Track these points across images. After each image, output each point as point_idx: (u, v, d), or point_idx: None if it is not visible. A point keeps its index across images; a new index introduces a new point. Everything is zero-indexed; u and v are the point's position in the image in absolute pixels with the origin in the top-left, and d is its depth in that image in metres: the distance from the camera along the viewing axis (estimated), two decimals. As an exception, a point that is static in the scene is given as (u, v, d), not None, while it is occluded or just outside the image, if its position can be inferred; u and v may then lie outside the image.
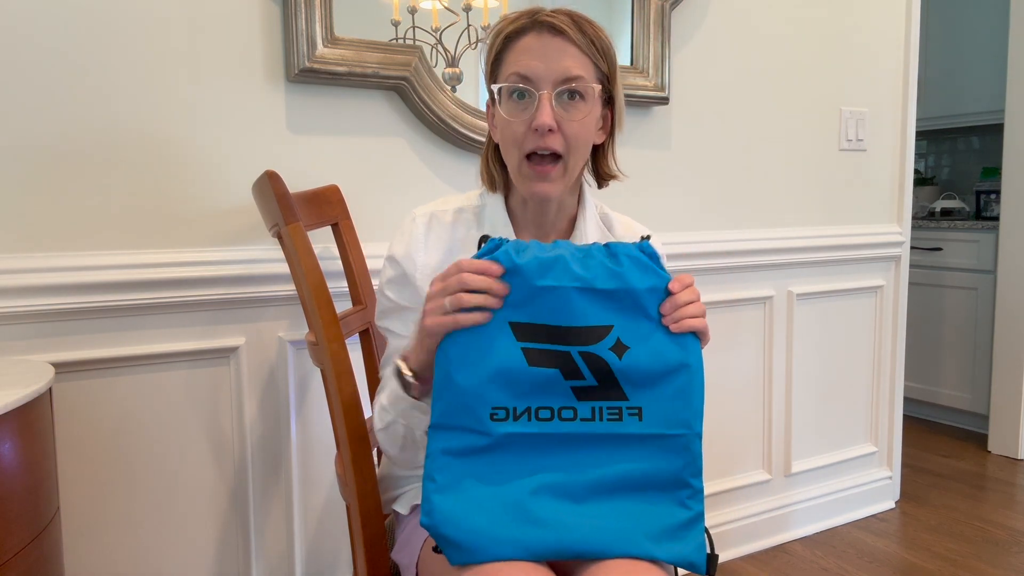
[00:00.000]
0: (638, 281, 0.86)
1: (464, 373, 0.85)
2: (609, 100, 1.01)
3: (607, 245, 0.88)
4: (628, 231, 1.10)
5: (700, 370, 0.88)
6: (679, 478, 0.86)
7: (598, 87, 0.96)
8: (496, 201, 1.04)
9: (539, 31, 0.94)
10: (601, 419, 0.85)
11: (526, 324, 0.85)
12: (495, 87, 0.97)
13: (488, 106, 1.02)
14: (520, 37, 0.95)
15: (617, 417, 0.86)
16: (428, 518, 0.84)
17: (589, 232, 1.04)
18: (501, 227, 1.02)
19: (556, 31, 0.93)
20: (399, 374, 0.93)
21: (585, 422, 0.85)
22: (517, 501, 0.83)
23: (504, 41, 0.96)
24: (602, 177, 1.07)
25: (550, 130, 0.93)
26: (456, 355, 0.85)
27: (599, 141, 1.03)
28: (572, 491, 0.85)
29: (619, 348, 0.86)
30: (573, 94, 0.94)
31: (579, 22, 0.95)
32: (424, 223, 1.03)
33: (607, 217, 1.10)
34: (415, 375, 0.92)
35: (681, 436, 0.86)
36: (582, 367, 0.85)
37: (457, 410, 0.85)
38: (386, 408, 0.97)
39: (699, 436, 0.87)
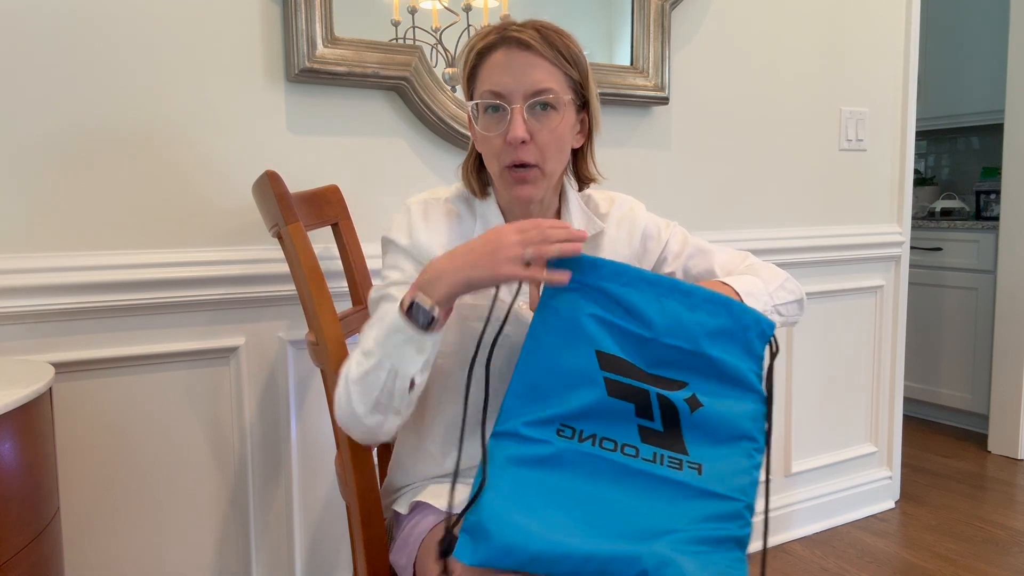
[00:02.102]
0: (720, 352, 0.89)
1: (546, 388, 0.88)
2: (584, 105, 1.03)
3: (721, 303, 0.91)
4: (610, 205, 1.14)
5: (762, 448, 0.89)
6: (727, 537, 0.85)
7: (569, 95, 0.99)
8: (489, 200, 1.07)
9: (508, 47, 0.96)
10: (661, 464, 0.87)
11: (613, 356, 0.88)
12: (471, 104, 1.00)
13: (469, 117, 1.05)
14: (491, 53, 0.98)
15: (677, 466, 0.87)
16: (475, 515, 0.83)
17: (575, 224, 1.08)
18: (495, 221, 1.06)
19: (524, 46, 0.96)
20: (417, 310, 0.87)
21: (646, 462, 0.87)
22: (563, 510, 0.83)
23: (476, 57, 0.99)
24: (582, 179, 1.10)
25: (523, 142, 0.96)
26: (540, 371, 0.89)
27: (577, 144, 1.05)
28: (620, 518, 0.84)
29: (694, 403, 0.88)
30: (544, 106, 0.97)
31: (546, 35, 0.97)
32: (420, 210, 1.05)
33: (589, 199, 1.13)
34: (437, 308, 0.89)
35: (736, 501, 0.86)
36: (655, 409, 0.88)
37: (531, 423, 0.87)
38: (371, 351, 0.90)
39: (751, 510, 0.87)
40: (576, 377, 0.88)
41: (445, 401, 1.07)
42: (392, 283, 1.01)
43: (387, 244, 1.05)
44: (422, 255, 1.01)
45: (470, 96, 1.02)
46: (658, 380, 0.89)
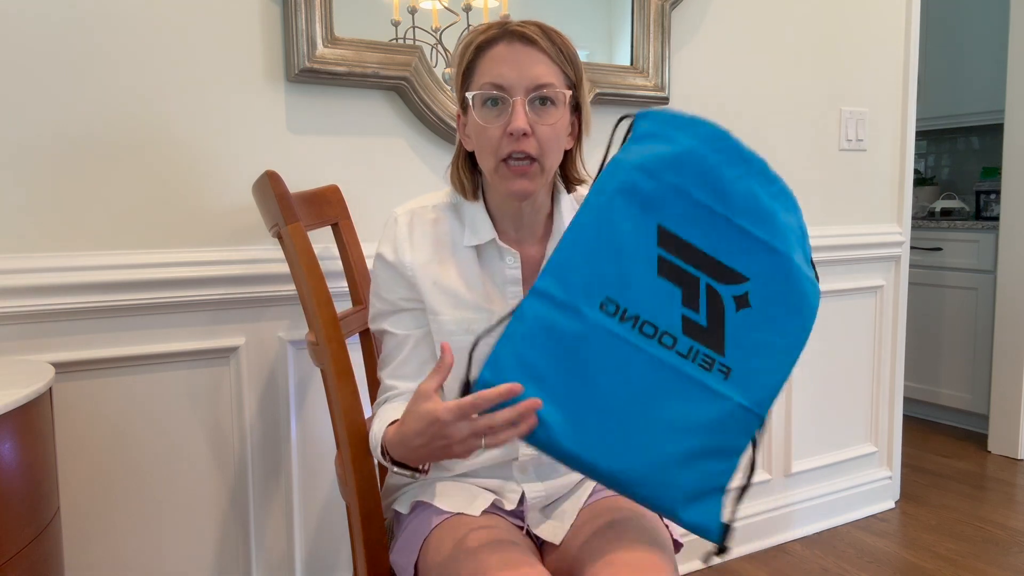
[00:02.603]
0: (791, 252, 0.86)
1: (594, 253, 0.85)
2: (576, 107, 1.03)
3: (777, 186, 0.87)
4: None
5: (792, 363, 0.87)
6: (730, 447, 0.85)
7: (568, 93, 0.99)
8: (477, 206, 1.06)
9: (510, 40, 0.96)
10: (693, 360, 0.84)
11: (673, 235, 0.85)
12: (469, 94, 0.98)
13: (458, 116, 1.03)
14: (491, 47, 0.97)
15: (707, 366, 0.84)
16: (490, 371, 0.82)
17: (567, 224, 1.06)
18: (483, 228, 1.05)
19: (527, 40, 0.96)
20: (404, 469, 0.94)
21: (679, 356, 0.84)
22: (579, 403, 0.83)
23: (475, 51, 0.98)
24: (570, 181, 1.09)
25: (524, 134, 0.95)
26: (591, 234, 0.85)
27: (568, 146, 1.05)
28: (635, 417, 0.83)
29: (742, 301, 0.85)
30: (545, 100, 0.97)
31: (548, 32, 0.98)
32: (406, 222, 1.06)
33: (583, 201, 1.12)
34: (404, 466, 0.94)
35: (750, 412, 0.85)
36: (702, 299, 0.85)
37: (573, 287, 0.84)
38: (375, 449, 0.98)
39: (762, 420, 0.86)
40: (631, 248, 0.84)
41: None
42: (388, 313, 1.07)
43: (376, 257, 1.07)
44: (406, 271, 1.04)
45: (465, 89, 1.00)
46: (717, 267, 0.85)
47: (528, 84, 0.95)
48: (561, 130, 0.99)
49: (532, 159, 0.97)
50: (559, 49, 0.98)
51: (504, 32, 0.97)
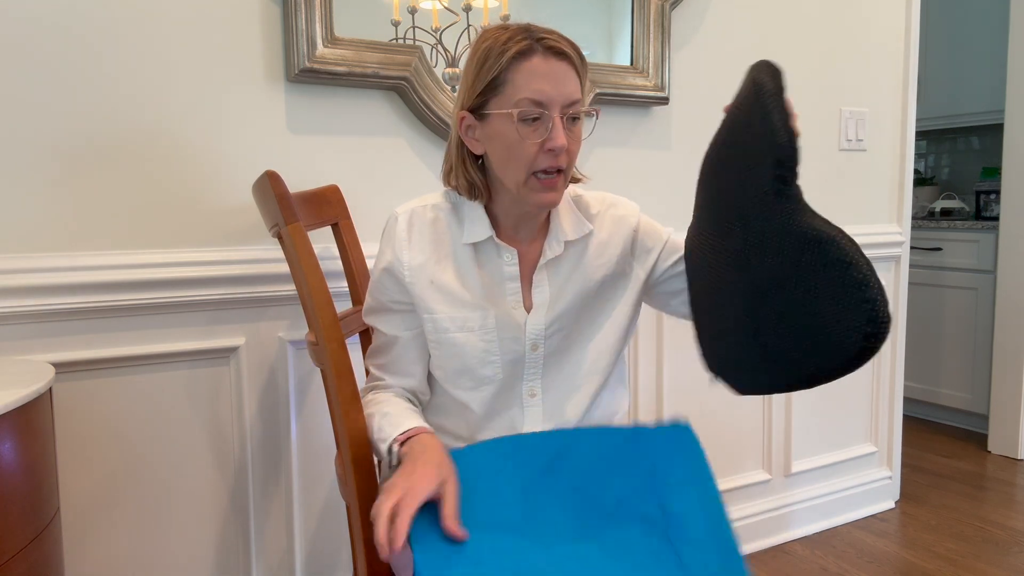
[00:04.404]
0: None
1: None
2: None
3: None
4: (601, 206, 1.14)
5: None
6: None
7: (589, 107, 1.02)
8: (475, 204, 1.06)
9: (545, 54, 0.96)
10: None
11: None
12: (514, 110, 0.96)
13: (462, 117, 1.01)
14: (526, 59, 0.96)
15: None
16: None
17: (565, 226, 1.09)
18: (481, 226, 1.06)
19: (561, 55, 0.97)
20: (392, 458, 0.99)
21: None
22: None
23: (509, 61, 0.96)
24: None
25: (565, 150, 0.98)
26: None
27: None
28: None
29: None
30: (576, 115, 0.99)
31: (573, 45, 1.00)
32: (405, 222, 1.07)
33: (580, 199, 1.13)
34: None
35: None
36: None
37: None
38: (376, 442, 1.02)
39: None
40: None
41: (453, 412, 1.10)
42: (377, 311, 1.10)
43: (379, 251, 1.09)
44: (403, 270, 1.05)
45: (489, 96, 0.98)
46: None
47: (564, 101, 0.97)
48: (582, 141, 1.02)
49: (560, 171, 0.99)
50: (582, 62, 1.00)
51: (537, 45, 0.96)
